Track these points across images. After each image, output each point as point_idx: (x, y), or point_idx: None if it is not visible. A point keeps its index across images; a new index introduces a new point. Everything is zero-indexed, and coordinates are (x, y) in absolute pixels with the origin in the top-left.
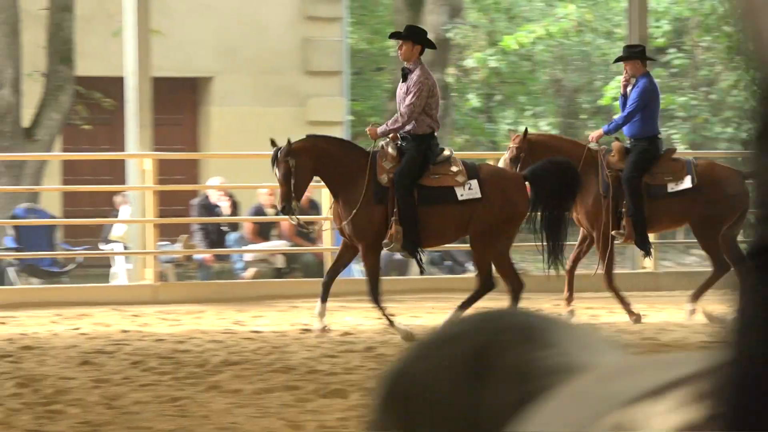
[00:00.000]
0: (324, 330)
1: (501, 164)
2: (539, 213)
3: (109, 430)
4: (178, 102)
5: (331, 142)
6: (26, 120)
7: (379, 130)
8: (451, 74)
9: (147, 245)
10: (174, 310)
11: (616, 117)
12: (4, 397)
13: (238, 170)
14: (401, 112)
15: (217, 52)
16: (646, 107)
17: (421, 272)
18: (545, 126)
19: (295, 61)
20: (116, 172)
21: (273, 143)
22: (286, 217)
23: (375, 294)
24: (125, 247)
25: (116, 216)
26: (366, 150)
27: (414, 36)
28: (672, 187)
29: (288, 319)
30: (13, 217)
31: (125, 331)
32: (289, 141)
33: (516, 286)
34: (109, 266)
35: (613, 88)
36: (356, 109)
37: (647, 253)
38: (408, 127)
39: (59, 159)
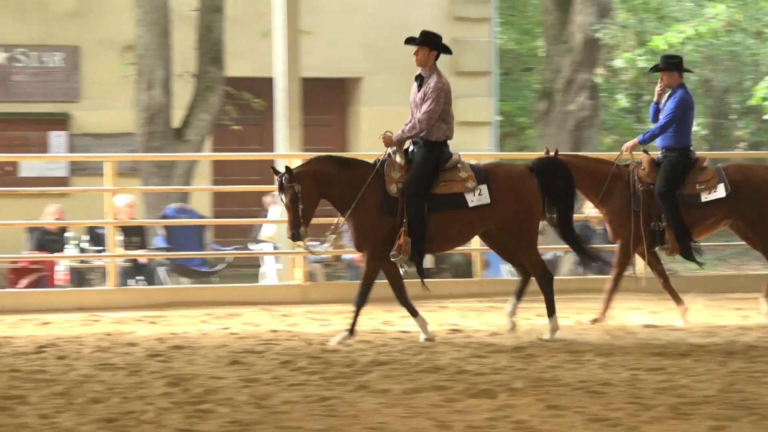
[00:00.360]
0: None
1: None
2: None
3: (259, 429)
4: (327, 102)
5: (331, 163)
6: (176, 120)
7: (395, 137)
8: (600, 74)
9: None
10: (323, 310)
11: (650, 127)
12: (155, 396)
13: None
14: (419, 119)
15: (366, 52)
16: (681, 118)
17: (422, 283)
18: (695, 127)
19: (443, 61)
20: (265, 172)
21: (275, 171)
22: (297, 244)
23: (362, 300)
24: (275, 247)
25: (266, 216)
26: (370, 163)
27: (430, 42)
28: (705, 197)
29: (437, 319)
30: (164, 217)
31: (274, 331)
32: (287, 168)
33: (543, 278)
34: (259, 266)
35: (763, 88)
36: (505, 110)
37: (697, 264)
38: (423, 134)
39: (209, 159)
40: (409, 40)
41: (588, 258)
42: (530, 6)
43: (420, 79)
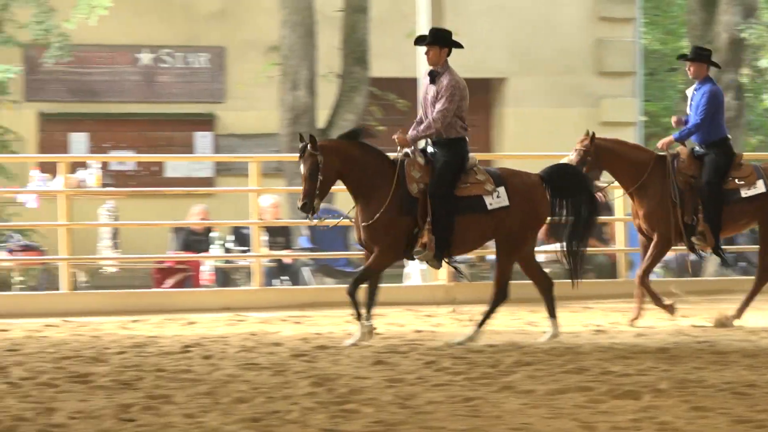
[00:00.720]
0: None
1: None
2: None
3: (403, 429)
4: (472, 103)
5: (357, 147)
6: (321, 121)
7: (410, 136)
8: (745, 75)
9: None
10: (467, 311)
11: (686, 125)
12: (300, 396)
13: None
14: (434, 118)
15: (511, 52)
16: (716, 113)
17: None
18: None
19: (587, 61)
20: None
21: (301, 138)
22: (305, 216)
23: (355, 287)
24: None
25: None
26: (392, 159)
27: (440, 40)
28: (745, 192)
29: (581, 320)
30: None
31: (419, 331)
32: (311, 136)
33: (546, 285)
34: (403, 266)
35: None
36: (649, 110)
37: (723, 261)
38: (438, 133)
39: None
40: (419, 40)
41: (573, 272)
42: (675, 6)
43: (432, 77)
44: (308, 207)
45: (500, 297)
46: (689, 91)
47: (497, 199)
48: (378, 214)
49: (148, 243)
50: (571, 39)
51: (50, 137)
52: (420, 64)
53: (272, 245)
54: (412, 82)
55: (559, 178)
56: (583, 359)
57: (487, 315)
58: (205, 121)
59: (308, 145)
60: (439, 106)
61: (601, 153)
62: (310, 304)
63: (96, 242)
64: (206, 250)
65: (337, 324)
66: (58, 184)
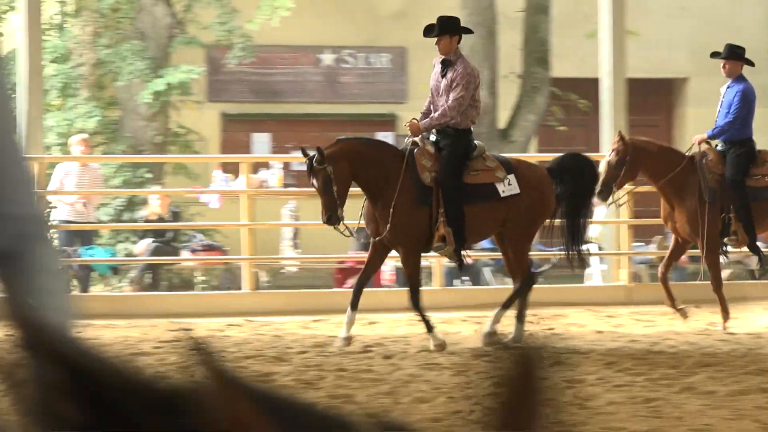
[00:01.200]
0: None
1: (602, 167)
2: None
3: (583, 430)
4: (653, 103)
5: (363, 144)
6: (502, 121)
7: (423, 124)
8: None
9: (621, 246)
10: (648, 311)
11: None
12: (482, 397)
13: None
14: (449, 106)
15: (693, 53)
16: (747, 113)
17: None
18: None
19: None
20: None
21: (304, 153)
22: (333, 226)
23: (416, 299)
24: (600, 248)
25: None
26: (400, 149)
27: (450, 28)
28: None
29: (763, 321)
30: None
31: (599, 332)
32: (319, 149)
33: (526, 282)
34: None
35: None
36: None
37: (760, 258)
38: (453, 121)
39: (535, 160)
40: (428, 31)
41: (574, 260)
42: None
43: (444, 66)
44: (333, 219)
45: (529, 283)
46: (722, 89)
47: (509, 187)
48: (396, 213)
49: (329, 243)
50: (753, 39)
51: (232, 137)
52: (602, 64)
53: None
54: (592, 82)
55: (565, 167)
56: (765, 360)
57: (519, 305)
58: (387, 122)
59: (314, 159)
60: (454, 94)
61: (637, 153)
62: (490, 304)
63: (278, 242)
64: None
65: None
66: (240, 185)
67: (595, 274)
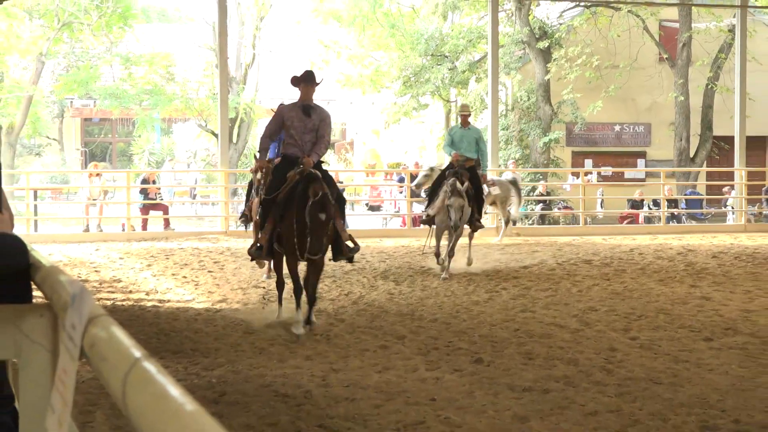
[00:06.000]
0: None
1: None
2: None
3: None
4: None
5: None
6: None
7: (312, 159)
8: None
9: None
10: None
11: None
12: None
13: None
14: (325, 143)
15: None
16: None
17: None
18: None
19: None
20: None
21: None
22: None
23: None
24: None
25: None
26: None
27: (313, 79)
28: None
29: None
30: None
31: None
32: None
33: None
34: None
35: None
36: None
37: None
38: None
39: None
40: (295, 81)
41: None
42: None
43: (306, 109)
44: None
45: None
46: None
47: None
48: None
49: None
50: None
51: None
52: None
53: None
54: None
55: None
56: None
57: None
58: None
59: None
60: (327, 136)
61: None
62: None
63: None
64: None
65: None
66: None
67: None
